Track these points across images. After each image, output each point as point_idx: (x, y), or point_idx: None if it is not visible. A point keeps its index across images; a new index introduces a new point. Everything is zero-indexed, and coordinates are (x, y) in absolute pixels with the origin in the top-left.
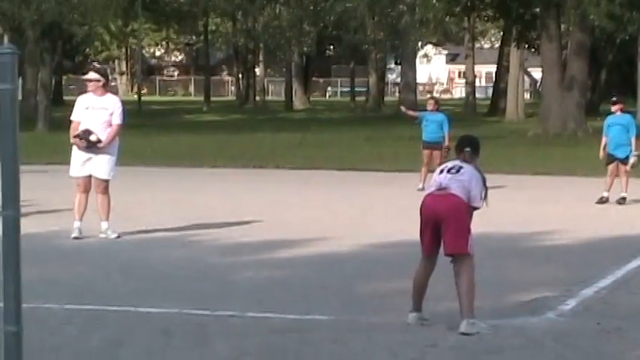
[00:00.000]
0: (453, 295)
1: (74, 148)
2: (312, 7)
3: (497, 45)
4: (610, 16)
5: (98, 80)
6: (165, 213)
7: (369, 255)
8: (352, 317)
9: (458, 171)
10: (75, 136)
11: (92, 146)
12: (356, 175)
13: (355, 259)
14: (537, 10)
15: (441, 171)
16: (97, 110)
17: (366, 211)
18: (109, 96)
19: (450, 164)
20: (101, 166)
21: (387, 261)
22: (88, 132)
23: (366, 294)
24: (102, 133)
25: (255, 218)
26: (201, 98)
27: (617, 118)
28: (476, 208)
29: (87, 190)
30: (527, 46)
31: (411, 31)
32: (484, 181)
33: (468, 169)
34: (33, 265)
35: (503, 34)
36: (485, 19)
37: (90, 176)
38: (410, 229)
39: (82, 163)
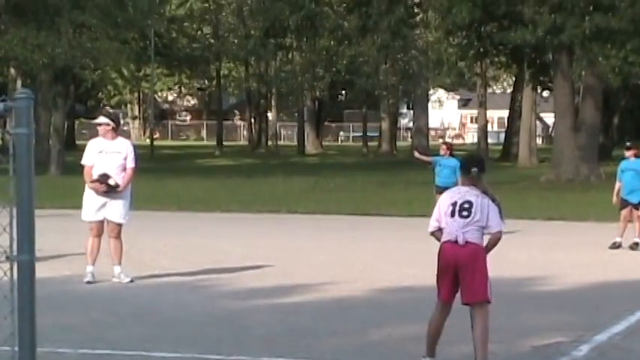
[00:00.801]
0: (467, 339)
1: (88, 192)
2: (324, 52)
3: (509, 90)
4: (619, 70)
5: (107, 124)
6: (177, 257)
7: (382, 300)
8: None
9: (469, 212)
10: (94, 181)
11: (111, 190)
12: (369, 220)
13: (368, 305)
14: (550, 55)
15: (452, 212)
16: (110, 154)
17: (379, 256)
18: (121, 139)
19: (459, 198)
20: (116, 210)
21: (401, 306)
22: (106, 176)
23: (379, 339)
24: (117, 177)
25: (267, 263)
26: (213, 143)
27: (630, 163)
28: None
29: (100, 235)
30: (540, 89)
31: (424, 72)
32: (494, 201)
33: (478, 203)
34: (45, 310)
35: (516, 80)
36: (499, 65)
37: (103, 221)
38: (423, 275)
39: (97, 208)
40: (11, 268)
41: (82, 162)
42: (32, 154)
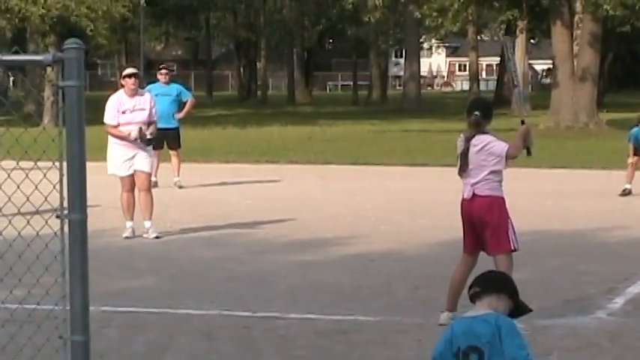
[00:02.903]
0: None
1: (114, 147)
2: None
3: (496, 38)
4: (624, 5)
5: (138, 76)
6: (186, 211)
7: (401, 253)
8: (397, 319)
9: (467, 165)
10: (141, 140)
11: (148, 143)
12: (371, 169)
13: (388, 258)
14: (548, 1)
15: (463, 169)
16: (135, 112)
17: (389, 207)
18: (142, 94)
19: (459, 150)
20: (145, 161)
21: (422, 259)
22: (142, 133)
23: (406, 294)
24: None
25: (278, 216)
26: (202, 93)
27: None
28: (514, 157)
29: (133, 189)
30: (533, 39)
31: (427, 21)
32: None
33: (478, 143)
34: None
35: (507, 26)
36: (500, 9)
37: (133, 174)
38: (437, 226)
39: (126, 162)
40: (62, 228)
41: (105, 120)
42: (83, 108)
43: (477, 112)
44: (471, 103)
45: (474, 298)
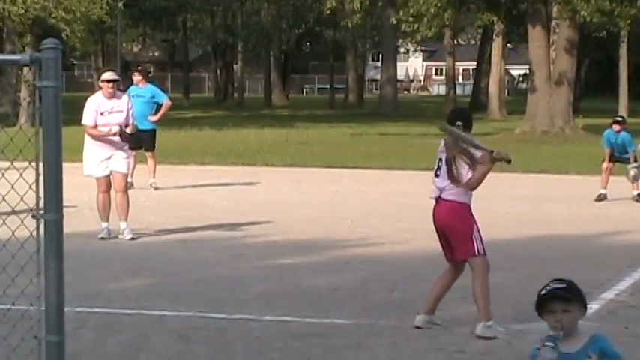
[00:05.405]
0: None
1: (90, 148)
2: (292, 3)
3: (473, 42)
4: (601, 11)
5: (117, 82)
6: (162, 213)
7: (378, 256)
8: (372, 321)
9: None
10: (121, 138)
11: (128, 138)
12: (347, 173)
13: (364, 261)
14: (525, 6)
15: (436, 174)
16: (113, 114)
17: (365, 210)
18: (120, 97)
19: (439, 155)
20: (121, 161)
21: (398, 262)
22: (122, 131)
23: (382, 297)
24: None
25: (255, 218)
26: (178, 95)
27: (617, 136)
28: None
29: (109, 190)
30: (510, 43)
31: (402, 25)
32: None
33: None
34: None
35: (484, 31)
36: (480, 13)
37: (109, 175)
38: (414, 229)
39: (102, 163)
40: (37, 228)
41: (84, 122)
42: (60, 108)
43: (458, 123)
44: (452, 114)
45: None
